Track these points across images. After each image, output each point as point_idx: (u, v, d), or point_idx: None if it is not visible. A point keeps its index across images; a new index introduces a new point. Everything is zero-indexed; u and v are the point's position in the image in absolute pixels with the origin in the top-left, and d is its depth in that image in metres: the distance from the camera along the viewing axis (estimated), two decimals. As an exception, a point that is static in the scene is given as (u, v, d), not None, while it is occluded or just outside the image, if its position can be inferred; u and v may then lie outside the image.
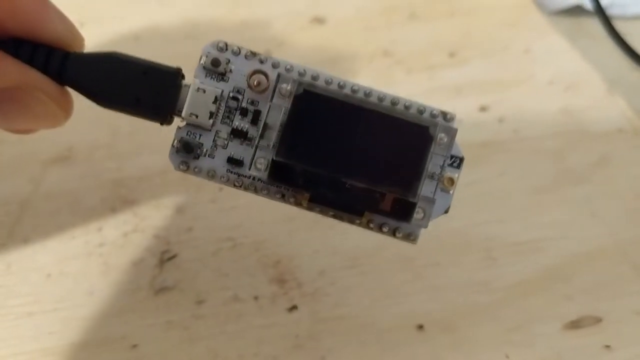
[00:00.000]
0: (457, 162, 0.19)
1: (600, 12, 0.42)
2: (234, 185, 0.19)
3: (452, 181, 0.19)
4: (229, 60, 0.19)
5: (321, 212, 0.19)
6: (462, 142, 0.34)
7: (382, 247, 0.29)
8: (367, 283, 0.28)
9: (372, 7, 0.42)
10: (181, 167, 0.19)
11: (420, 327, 0.27)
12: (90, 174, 0.32)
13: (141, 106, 0.19)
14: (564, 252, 0.29)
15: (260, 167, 0.18)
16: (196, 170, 0.19)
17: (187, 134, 0.19)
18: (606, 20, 0.42)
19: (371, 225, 0.19)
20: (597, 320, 0.27)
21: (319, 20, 0.41)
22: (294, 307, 0.27)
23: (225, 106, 0.19)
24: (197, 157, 0.19)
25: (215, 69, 0.19)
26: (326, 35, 0.40)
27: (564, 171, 0.33)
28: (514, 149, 0.34)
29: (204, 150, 0.19)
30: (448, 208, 0.19)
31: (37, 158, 0.33)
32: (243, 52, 0.19)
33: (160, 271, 0.28)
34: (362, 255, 0.28)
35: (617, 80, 0.39)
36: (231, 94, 0.19)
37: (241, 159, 0.19)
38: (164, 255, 0.28)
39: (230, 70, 0.19)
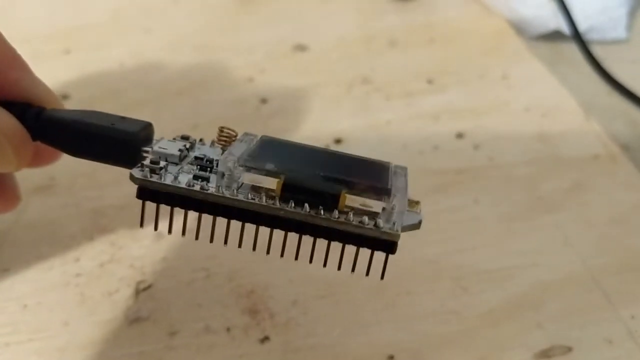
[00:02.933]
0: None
1: (578, 37, 0.43)
2: (200, 189, 0.18)
3: (417, 203, 0.19)
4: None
5: (295, 207, 0.18)
6: (438, 169, 0.34)
7: (355, 276, 0.29)
8: (339, 312, 0.28)
9: (352, 35, 0.42)
10: (145, 176, 0.18)
11: (391, 357, 0.27)
12: (71, 203, 0.32)
13: (112, 138, 0.20)
14: (535, 280, 0.29)
15: (230, 164, 0.18)
16: (160, 179, 0.18)
17: (152, 161, 0.19)
18: (584, 46, 0.43)
19: (350, 217, 0.18)
20: (568, 349, 0.28)
21: (300, 48, 0.42)
22: (266, 338, 0.27)
23: (193, 157, 0.20)
24: (160, 175, 0.18)
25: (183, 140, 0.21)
26: (308, 62, 0.41)
27: (537, 198, 0.33)
28: (489, 176, 0.34)
29: (169, 173, 0.18)
30: (420, 222, 0.19)
31: (19, 187, 0.33)
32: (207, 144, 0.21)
33: (135, 301, 0.28)
34: (335, 284, 0.29)
35: (595, 105, 0.39)
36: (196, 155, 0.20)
37: (207, 177, 0.19)
38: (140, 286, 0.29)
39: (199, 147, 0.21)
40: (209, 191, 0.18)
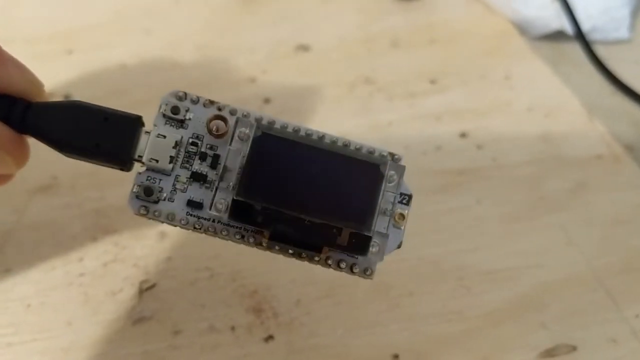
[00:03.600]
0: (406, 199, 0.20)
1: (581, 37, 0.43)
2: (194, 228, 0.19)
3: (402, 217, 0.20)
4: (188, 109, 0.20)
5: (281, 250, 0.19)
6: (441, 170, 0.34)
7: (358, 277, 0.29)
8: (342, 313, 0.28)
9: (355, 36, 0.42)
10: (141, 211, 0.19)
11: (396, 356, 0.27)
12: (73, 203, 0.32)
13: (102, 152, 0.20)
14: (539, 280, 0.29)
15: (220, 207, 0.19)
16: (156, 214, 0.19)
17: (146, 179, 0.19)
18: (587, 46, 0.43)
19: (329, 262, 0.19)
20: (572, 348, 0.28)
21: (303, 48, 0.42)
22: (270, 337, 0.27)
23: (185, 151, 0.20)
24: (156, 202, 0.19)
25: (174, 116, 0.20)
26: (310, 62, 0.41)
27: (540, 199, 0.33)
28: (492, 176, 0.34)
29: (164, 194, 0.19)
30: (401, 243, 0.20)
31: (21, 187, 0.33)
32: (201, 101, 0.20)
33: (139, 301, 0.28)
34: (337, 284, 0.29)
35: (598, 105, 0.39)
36: (190, 140, 0.20)
37: (201, 201, 0.19)
38: (143, 285, 0.29)
39: (189, 118, 0.20)
40: (201, 229, 0.19)
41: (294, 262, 0.29)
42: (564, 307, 0.29)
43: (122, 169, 0.20)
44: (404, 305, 0.28)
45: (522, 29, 0.44)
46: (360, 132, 0.36)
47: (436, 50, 0.41)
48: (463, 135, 0.36)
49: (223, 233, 0.19)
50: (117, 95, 0.38)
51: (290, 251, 0.19)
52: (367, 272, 0.20)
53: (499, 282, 0.29)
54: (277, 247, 0.19)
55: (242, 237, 0.19)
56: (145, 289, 0.28)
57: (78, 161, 0.21)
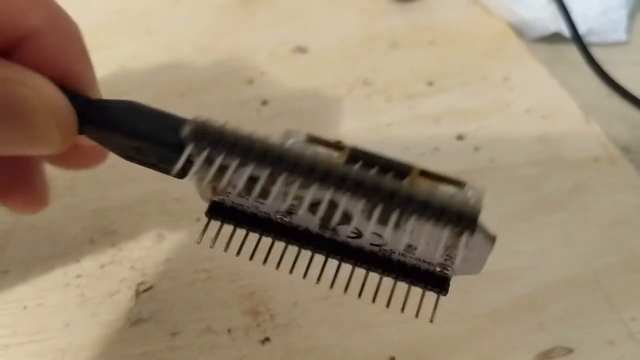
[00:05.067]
0: None
1: (578, 39, 0.43)
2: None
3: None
4: None
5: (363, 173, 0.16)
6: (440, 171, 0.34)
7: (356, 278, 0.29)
8: (340, 314, 0.28)
9: (353, 37, 0.42)
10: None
11: (392, 358, 0.27)
12: (72, 204, 0.32)
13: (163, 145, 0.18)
14: (537, 281, 0.29)
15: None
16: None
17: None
18: (584, 48, 0.43)
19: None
20: (569, 350, 0.27)
21: (301, 50, 0.42)
22: (266, 339, 0.27)
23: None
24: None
25: None
26: (308, 64, 0.41)
27: (538, 200, 0.33)
28: (489, 177, 0.34)
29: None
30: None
31: (19, 188, 0.33)
32: None
33: (136, 302, 0.28)
34: (335, 285, 0.29)
35: (595, 107, 0.39)
36: None
37: None
38: (140, 287, 0.29)
39: None
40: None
41: (292, 263, 0.29)
42: (563, 308, 0.29)
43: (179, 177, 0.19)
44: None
45: (520, 31, 0.44)
46: (358, 134, 0.36)
47: (435, 52, 0.42)
48: (461, 137, 0.36)
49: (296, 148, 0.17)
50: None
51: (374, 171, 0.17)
52: (473, 198, 0.17)
53: (498, 283, 0.29)
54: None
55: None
56: (143, 291, 0.28)
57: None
